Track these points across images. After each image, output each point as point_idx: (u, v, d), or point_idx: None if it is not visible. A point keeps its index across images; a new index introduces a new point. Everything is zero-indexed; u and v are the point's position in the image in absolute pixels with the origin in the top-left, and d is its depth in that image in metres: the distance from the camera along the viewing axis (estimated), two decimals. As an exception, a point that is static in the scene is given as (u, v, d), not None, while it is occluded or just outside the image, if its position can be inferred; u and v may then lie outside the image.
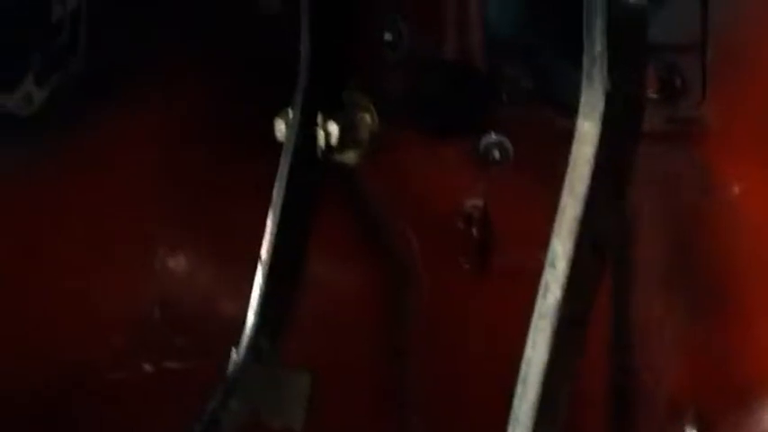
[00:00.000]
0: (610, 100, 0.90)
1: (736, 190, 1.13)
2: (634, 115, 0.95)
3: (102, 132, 1.32)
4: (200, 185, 1.33)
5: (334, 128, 1.14)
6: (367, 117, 1.19)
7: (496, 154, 1.29)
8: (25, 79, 1.27)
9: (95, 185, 1.32)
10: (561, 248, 0.91)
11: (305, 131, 1.13)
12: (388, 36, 1.31)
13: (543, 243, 1.05)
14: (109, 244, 1.32)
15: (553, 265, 0.91)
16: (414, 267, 1.38)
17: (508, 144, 1.29)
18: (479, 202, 1.31)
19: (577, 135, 0.92)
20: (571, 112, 1.17)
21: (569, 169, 0.92)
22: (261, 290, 1.12)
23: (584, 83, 0.91)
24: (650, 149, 1.10)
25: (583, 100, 0.91)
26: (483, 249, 1.32)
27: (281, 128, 1.15)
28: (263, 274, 1.12)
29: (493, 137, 1.29)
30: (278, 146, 1.16)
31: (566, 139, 0.98)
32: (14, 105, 1.27)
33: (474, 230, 1.32)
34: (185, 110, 1.33)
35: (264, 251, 1.11)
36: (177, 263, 1.36)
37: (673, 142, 1.16)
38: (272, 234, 1.12)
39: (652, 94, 1.13)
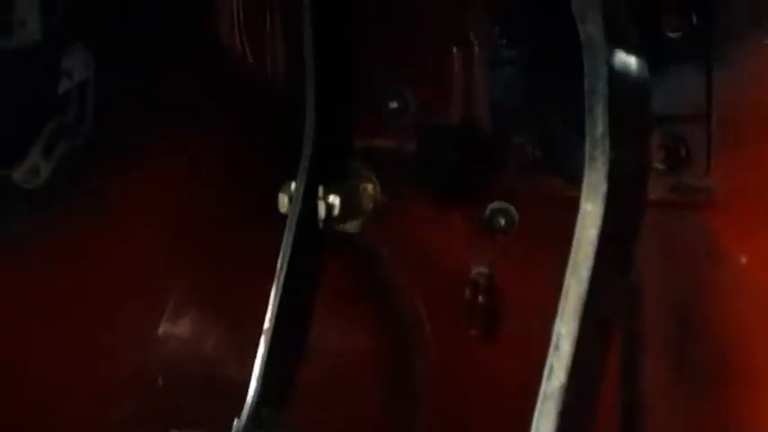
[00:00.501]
0: (613, 181, 0.90)
1: (743, 260, 1.13)
2: (638, 194, 0.95)
3: (107, 200, 1.32)
4: (206, 253, 1.33)
5: (335, 200, 1.14)
6: (369, 187, 1.19)
7: (502, 221, 1.29)
8: (32, 151, 1.28)
9: (100, 253, 1.32)
10: (565, 330, 0.90)
11: (308, 203, 1.14)
12: (393, 104, 1.31)
13: (549, 310, 1.05)
14: (114, 311, 1.32)
15: (557, 347, 0.90)
16: (421, 334, 1.37)
17: (513, 211, 1.29)
18: (485, 270, 1.31)
19: (581, 216, 0.91)
20: (577, 180, 1.18)
21: (573, 250, 0.92)
22: (263, 359, 1.12)
23: (587, 164, 0.91)
24: (656, 218, 1.11)
25: (585, 181, 0.91)
26: (489, 316, 1.32)
27: (284, 201, 1.15)
28: (265, 343, 1.12)
29: (498, 204, 1.29)
30: (283, 216, 1.16)
31: (572, 206, 0.97)
32: (21, 178, 1.27)
33: (480, 297, 1.32)
34: (191, 177, 1.34)
35: (267, 320, 1.12)
36: (182, 329, 1.35)
37: (678, 211, 1.16)
38: (275, 304, 1.12)
39: (657, 164, 1.14)
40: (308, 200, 1.14)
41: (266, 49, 1.40)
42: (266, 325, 1.12)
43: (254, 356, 1.18)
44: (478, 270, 1.31)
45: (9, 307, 1.30)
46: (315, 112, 1.13)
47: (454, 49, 1.28)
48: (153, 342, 1.34)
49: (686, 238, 1.16)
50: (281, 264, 1.11)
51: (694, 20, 1.10)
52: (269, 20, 1.40)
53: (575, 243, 0.91)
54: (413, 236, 1.33)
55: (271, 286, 1.17)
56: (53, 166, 1.30)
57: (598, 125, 0.89)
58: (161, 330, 1.35)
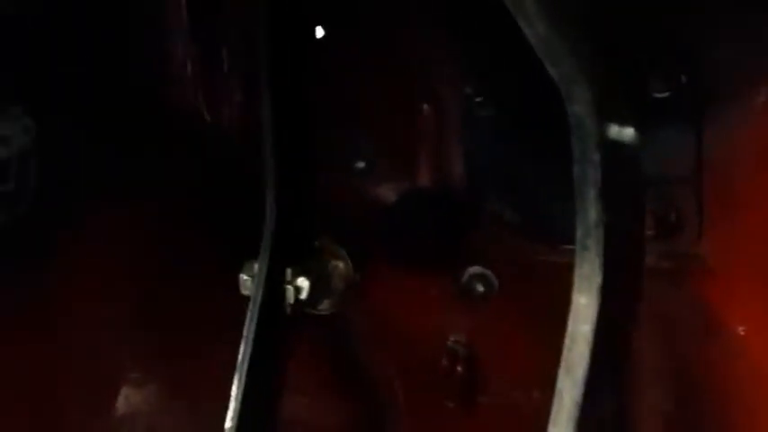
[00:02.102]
0: (608, 272, 0.82)
1: (740, 331, 1.07)
2: (635, 281, 0.87)
3: (49, 274, 1.23)
4: (161, 334, 1.24)
5: (304, 283, 1.05)
6: (341, 265, 1.10)
7: (480, 287, 1.22)
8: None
9: (48, 326, 1.23)
10: (560, 437, 0.82)
11: (272, 285, 1.05)
12: (360, 164, 1.23)
13: (531, 381, 0.97)
14: (68, 389, 1.23)
15: (552, 457, 0.82)
16: (396, 407, 1.29)
17: (492, 277, 1.21)
18: (463, 338, 1.24)
19: (573, 310, 0.83)
20: (558, 244, 1.11)
21: (565, 348, 0.84)
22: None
23: (578, 253, 0.83)
24: (646, 288, 1.04)
25: (577, 272, 0.83)
26: (467, 387, 1.25)
27: (246, 283, 1.06)
28: None
29: (476, 269, 1.21)
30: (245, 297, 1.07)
31: (554, 271, 0.91)
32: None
33: (458, 367, 1.24)
34: (149, 245, 1.24)
35: (229, 419, 1.02)
36: (142, 406, 1.26)
37: (670, 280, 1.10)
38: (237, 399, 1.02)
39: (647, 230, 1.07)
40: (273, 281, 1.05)
41: (224, 106, 1.31)
42: (228, 424, 1.02)
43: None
44: (456, 338, 1.24)
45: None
46: (275, 185, 1.04)
47: (425, 106, 1.20)
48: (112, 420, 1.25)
49: (679, 307, 1.11)
50: (244, 354, 1.02)
51: (683, 79, 1.03)
52: (227, 74, 1.31)
53: (567, 340, 0.83)
54: (387, 307, 1.26)
55: (232, 366, 1.08)
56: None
57: (590, 213, 0.81)
58: (117, 414, 1.25)
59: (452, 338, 1.24)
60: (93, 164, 1.25)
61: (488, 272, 1.21)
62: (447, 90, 1.18)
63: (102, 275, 1.25)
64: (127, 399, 1.25)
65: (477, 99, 1.15)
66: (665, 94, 1.04)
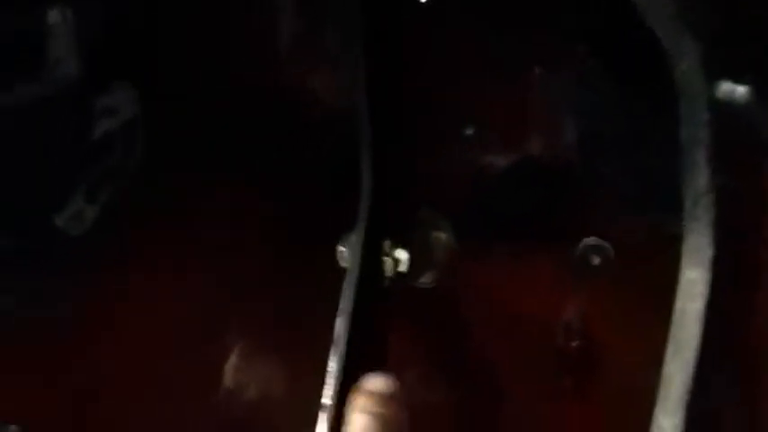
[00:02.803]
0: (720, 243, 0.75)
1: None
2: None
3: (157, 247, 1.22)
4: (264, 308, 1.21)
5: (403, 255, 1.00)
6: (443, 237, 1.05)
7: (596, 260, 1.15)
8: (75, 196, 1.17)
9: (149, 308, 1.22)
10: (668, 423, 0.76)
11: (371, 258, 1.00)
12: (468, 131, 1.18)
13: (651, 360, 0.91)
14: (165, 373, 1.22)
15: (658, 444, 0.76)
16: (505, 386, 1.24)
17: (609, 249, 1.14)
18: (579, 315, 1.17)
19: (682, 286, 0.77)
20: (678, 213, 1.03)
21: (673, 327, 0.78)
22: (325, 438, 0.99)
23: (687, 224, 0.76)
24: None
25: (685, 244, 0.76)
26: (583, 363, 1.18)
27: (344, 255, 1.03)
28: (327, 421, 0.99)
29: (592, 241, 1.15)
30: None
31: (672, 242, 0.84)
32: (65, 224, 1.17)
33: (573, 343, 1.18)
34: (246, 226, 1.22)
35: (328, 397, 0.98)
36: (240, 395, 1.24)
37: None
38: (336, 376, 0.99)
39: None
40: (371, 253, 1.01)
41: (326, 80, 1.27)
42: (326, 400, 0.98)
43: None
44: (571, 315, 1.18)
45: (59, 358, 1.20)
46: (372, 154, 1.00)
47: (536, 70, 1.13)
48: (210, 409, 1.23)
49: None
50: (341, 328, 0.98)
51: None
52: (331, 53, 1.27)
53: (675, 319, 0.77)
54: (496, 282, 1.20)
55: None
56: (99, 210, 1.19)
57: (699, 179, 0.75)
58: (221, 393, 1.24)
59: (567, 315, 1.18)
60: (199, 140, 1.23)
61: (605, 243, 1.15)
62: (561, 52, 1.11)
63: (207, 250, 1.24)
64: (231, 374, 1.23)
65: (592, 61, 1.08)
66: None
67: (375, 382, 0.95)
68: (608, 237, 1.14)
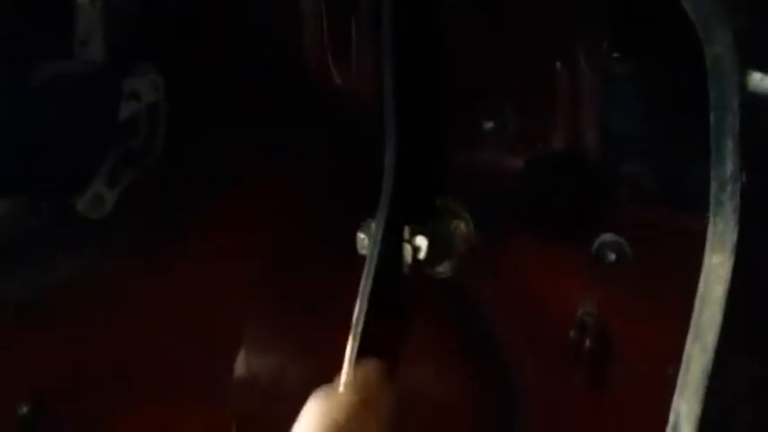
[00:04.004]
0: (744, 229, 0.75)
1: None
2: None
3: (176, 232, 1.22)
4: (284, 293, 1.22)
5: (422, 242, 1.01)
6: (462, 225, 1.05)
7: (612, 256, 1.15)
8: (96, 179, 1.18)
9: (166, 293, 1.22)
10: (686, 408, 0.76)
11: (390, 244, 1.01)
12: (489, 125, 1.18)
13: (666, 357, 0.91)
14: (185, 353, 1.22)
15: (676, 429, 0.76)
16: (522, 381, 1.24)
17: (626, 245, 1.15)
18: (593, 310, 1.18)
19: (705, 271, 0.77)
20: (697, 210, 1.04)
21: (695, 311, 0.77)
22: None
23: (712, 208, 0.76)
24: None
25: (711, 229, 0.76)
26: (597, 361, 1.19)
27: (363, 242, 1.03)
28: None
29: (609, 237, 1.15)
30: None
31: (694, 241, 0.84)
32: (85, 207, 1.18)
33: (587, 341, 1.18)
34: (266, 212, 1.23)
35: (343, 381, 0.99)
36: (255, 380, 1.24)
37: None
38: (352, 362, 0.99)
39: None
40: (391, 240, 1.01)
41: (354, 67, 1.27)
42: (342, 387, 0.98)
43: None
44: (586, 310, 1.18)
45: (76, 340, 1.20)
46: (396, 138, 1.00)
47: (558, 65, 1.14)
48: (224, 394, 1.23)
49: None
50: (358, 314, 0.98)
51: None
52: (356, 35, 1.27)
53: (698, 303, 0.77)
54: (513, 275, 1.21)
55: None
56: (118, 194, 1.20)
57: (726, 164, 0.75)
58: (235, 374, 1.24)
59: (582, 309, 1.19)
60: (222, 124, 1.24)
61: (622, 239, 1.15)
62: (582, 46, 1.12)
63: (227, 234, 1.24)
64: (248, 355, 1.24)
65: (615, 54, 1.08)
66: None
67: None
68: (626, 233, 1.15)
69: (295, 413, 1.18)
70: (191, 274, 1.23)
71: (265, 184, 1.23)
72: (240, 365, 1.25)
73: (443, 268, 1.06)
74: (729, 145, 0.74)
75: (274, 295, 1.23)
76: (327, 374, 1.02)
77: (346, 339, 1.02)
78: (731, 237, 0.76)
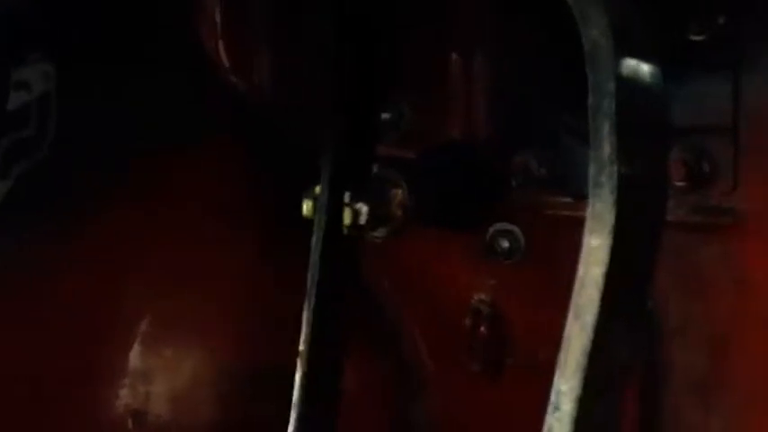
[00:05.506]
0: (622, 211, 0.77)
1: (772, 287, 1.01)
2: (652, 225, 0.81)
3: (72, 224, 1.21)
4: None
5: (363, 207, 1.03)
6: (399, 192, 1.07)
7: (505, 244, 1.17)
8: (-14, 170, 1.16)
9: (66, 282, 1.20)
10: (566, 387, 0.77)
11: (334, 209, 1.03)
12: (385, 116, 1.19)
13: (556, 340, 0.92)
14: (90, 345, 1.21)
15: (557, 408, 0.78)
16: (421, 368, 1.26)
17: (518, 233, 1.17)
18: (487, 297, 1.20)
19: (584, 252, 0.78)
20: (586, 198, 1.06)
21: (574, 292, 0.79)
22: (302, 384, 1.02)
23: (591, 190, 0.78)
24: (675, 242, 1.01)
25: (590, 211, 0.78)
26: (492, 348, 1.20)
27: (308, 206, 1.05)
28: (302, 367, 1.02)
29: (501, 226, 1.17)
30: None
31: (582, 228, 0.86)
32: (-24, 197, 1.16)
33: (482, 328, 1.20)
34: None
35: (303, 343, 1.01)
36: (153, 368, 1.24)
37: (701, 234, 1.05)
38: (309, 322, 1.01)
39: (677, 181, 1.03)
40: (335, 206, 1.03)
41: (250, 56, 1.27)
42: (301, 347, 1.01)
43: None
44: (480, 297, 1.20)
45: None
46: (334, 112, 1.04)
47: (453, 56, 1.15)
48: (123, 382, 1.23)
49: (710, 263, 1.05)
50: (312, 277, 1.01)
51: (720, 20, 0.98)
52: (251, 24, 1.27)
53: (577, 284, 0.78)
54: (411, 265, 1.22)
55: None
56: (10, 185, 1.18)
57: (604, 146, 0.76)
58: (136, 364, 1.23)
59: (476, 297, 1.20)
60: (119, 110, 1.23)
61: (515, 228, 1.17)
62: (476, 37, 1.13)
63: (131, 227, 1.24)
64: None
65: (506, 45, 1.10)
66: (701, 37, 0.99)
67: None
68: (518, 222, 1.16)
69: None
70: (82, 267, 1.21)
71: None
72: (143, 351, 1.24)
73: (380, 233, 1.08)
74: (606, 127, 0.76)
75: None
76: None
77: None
78: (610, 218, 0.77)
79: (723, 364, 1.06)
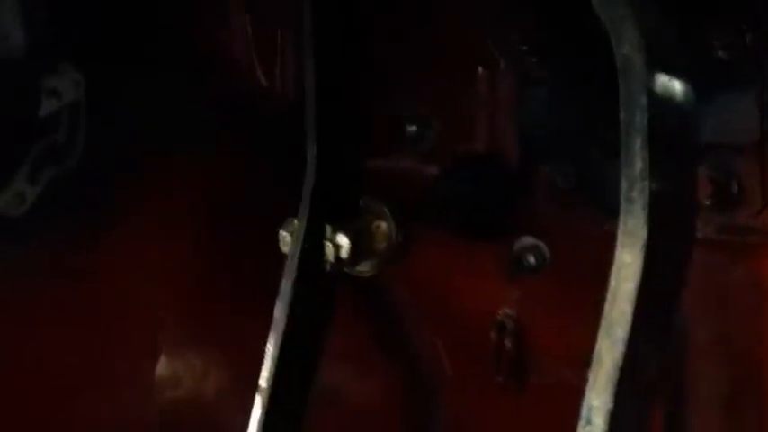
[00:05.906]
0: (654, 227, 0.77)
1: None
2: (683, 241, 0.81)
3: (97, 231, 1.21)
4: (204, 291, 1.21)
5: (344, 240, 1.01)
6: (383, 225, 1.06)
7: (531, 259, 1.18)
8: (16, 177, 1.17)
9: (89, 290, 1.21)
10: (598, 402, 0.77)
11: (312, 243, 1.01)
12: (411, 128, 1.20)
13: (582, 355, 0.92)
14: (105, 355, 1.21)
15: (589, 422, 0.78)
16: (442, 382, 1.26)
17: (545, 248, 1.17)
18: (513, 312, 1.20)
19: (615, 268, 0.78)
20: (613, 214, 1.06)
21: (606, 306, 0.79)
22: (260, 421, 0.99)
23: (623, 206, 0.78)
24: (702, 260, 0.99)
25: (621, 227, 0.78)
26: (516, 363, 1.20)
27: (285, 240, 1.03)
28: (261, 404, 0.99)
29: (528, 240, 1.17)
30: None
31: (610, 242, 0.86)
32: (5, 205, 1.16)
33: (507, 342, 1.20)
34: (187, 212, 1.22)
35: (263, 379, 0.99)
36: (179, 373, 1.24)
37: (728, 254, 1.05)
38: (272, 359, 0.99)
39: (704, 199, 1.02)
40: (312, 239, 1.01)
41: (277, 67, 1.28)
42: (262, 384, 0.98)
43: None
44: (506, 312, 1.20)
45: None
46: (316, 139, 1.00)
47: (479, 69, 1.16)
48: (145, 390, 1.22)
49: (737, 282, 1.05)
50: (280, 313, 0.98)
51: (748, 38, 0.98)
52: (280, 35, 1.28)
53: (609, 299, 0.79)
54: (433, 277, 1.22)
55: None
56: (39, 191, 1.19)
57: (636, 162, 0.77)
58: (157, 374, 1.23)
59: (501, 312, 1.20)
60: (145, 120, 1.23)
61: (541, 243, 1.17)
62: (501, 51, 1.13)
63: (148, 235, 1.24)
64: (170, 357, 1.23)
65: (532, 60, 1.10)
66: (729, 54, 0.99)
67: None
68: (544, 237, 1.16)
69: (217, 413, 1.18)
70: (114, 268, 1.22)
71: (182, 184, 1.22)
72: (161, 367, 1.24)
73: (364, 267, 1.07)
74: (638, 143, 0.76)
75: (193, 293, 1.22)
76: (252, 373, 1.02)
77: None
78: (642, 234, 0.77)
79: (750, 381, 1.06)
